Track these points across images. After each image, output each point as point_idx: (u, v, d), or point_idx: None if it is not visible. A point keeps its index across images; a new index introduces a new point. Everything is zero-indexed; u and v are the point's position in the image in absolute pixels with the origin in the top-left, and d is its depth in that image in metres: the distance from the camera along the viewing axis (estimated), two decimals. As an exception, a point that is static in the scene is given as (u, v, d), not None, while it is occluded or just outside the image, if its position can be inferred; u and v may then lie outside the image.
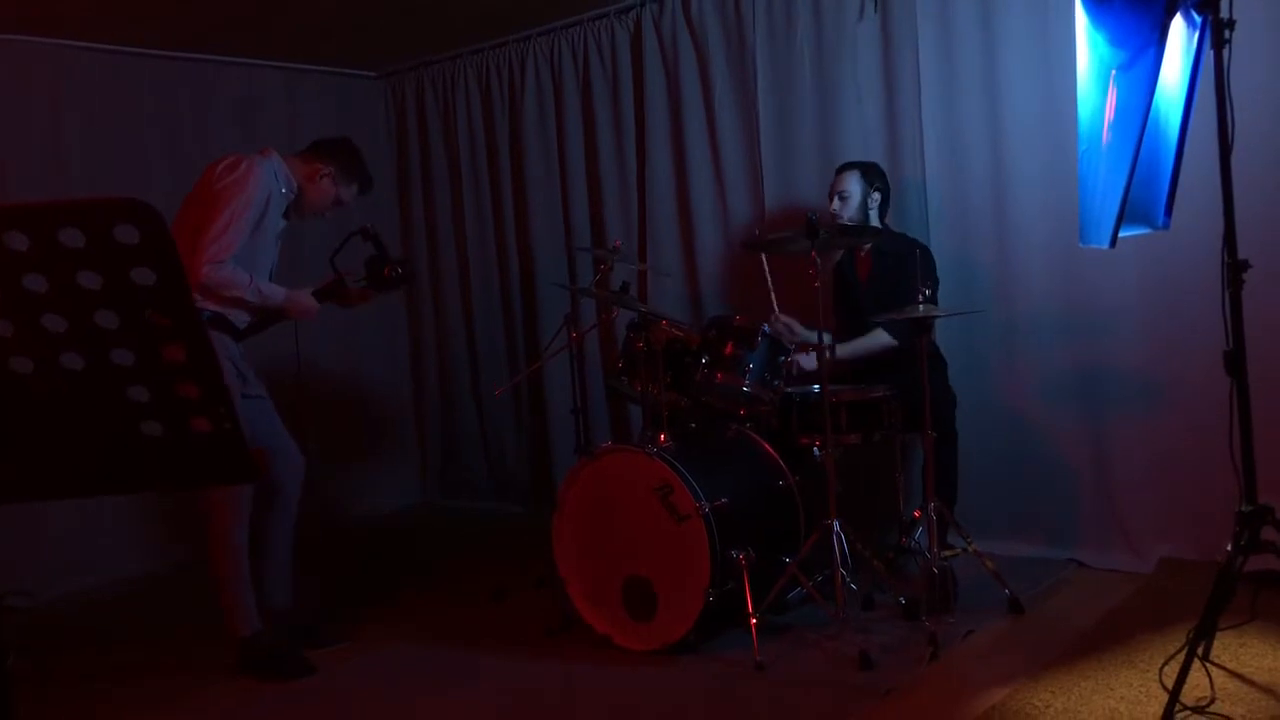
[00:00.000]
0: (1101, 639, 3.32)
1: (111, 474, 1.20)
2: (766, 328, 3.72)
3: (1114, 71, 2.85)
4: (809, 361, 4.09)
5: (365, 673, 3.57)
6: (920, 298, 3.51)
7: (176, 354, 1.11)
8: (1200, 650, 2.82)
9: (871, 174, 4.20)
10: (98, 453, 1.17)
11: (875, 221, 4.16)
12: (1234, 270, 2.70)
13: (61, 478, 1.19)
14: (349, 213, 3.91)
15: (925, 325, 3.57)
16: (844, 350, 4.08)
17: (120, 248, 1.02)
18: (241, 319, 3.54)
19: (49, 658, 3.95)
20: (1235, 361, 2.72)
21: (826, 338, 4.23)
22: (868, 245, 4.22)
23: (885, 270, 4.10)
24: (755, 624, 3.35)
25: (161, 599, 4.70)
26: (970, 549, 3.70)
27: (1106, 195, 2.86)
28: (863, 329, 4.12)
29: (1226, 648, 3.07)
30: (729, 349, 3.70)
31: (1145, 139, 2.72)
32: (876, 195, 4.18)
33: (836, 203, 4.15)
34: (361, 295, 3.74)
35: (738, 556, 3.40)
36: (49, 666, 3.85)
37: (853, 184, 4.15)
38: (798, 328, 4.17)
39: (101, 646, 4.09)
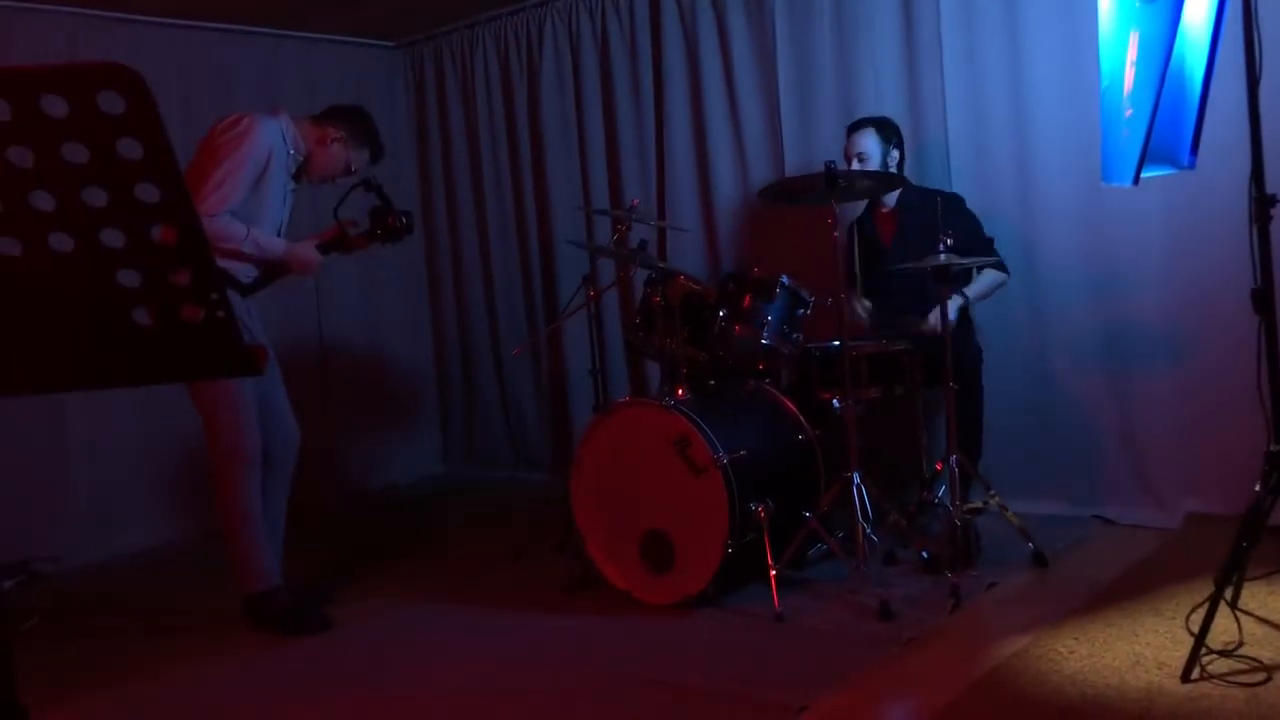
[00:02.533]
0: (1127, 590, 3.27)
1: (104, 365, 1.18)
2: (785, 279, 3.66)
3: (1137, 4, 2.78)
4: (936, 319, 3.75)
5: (382, 631, 3.56)
6: (942, 246, 3.44)
7: (168, 236, 1.09)
8: (1228, 597, 2.77)
9: (887, 130, 4.09)
10: (89, 343, 1.15)
11: None
12: (1261, 205, 2.64)
13: (53, 370, 1.18)
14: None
15: (948, 274, 3.50)
16: (971, 290, 3.98)
17: (105, 117, 1.00)
18: (247, 273, 3.53)
19: (75, 621, 3.98)
20: (1263, 299, 2.66)
21: (866, 306, 4.18)
22: (892, 204, 4.15)
23: (912, 225, 4.03)
24: (775, 576, 3.33)
25: (188, 563, 4.71)
26: (994, 502, 3.64)
27: (1131, 132, 2.79)
28: (889, 289, 4.07)
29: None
30: (747, 302, 3.65)
31: (1169, 73, 2.65)
32: (895, 153, 4.09)
33: (855, 165, 4.01)
34: (360, 241, 3.74)
35: (756, 508, 3.37)
36: (75, 629, 3.88)
37: (869, 143, 4.04)
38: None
39: (128, 609, 4.10)
